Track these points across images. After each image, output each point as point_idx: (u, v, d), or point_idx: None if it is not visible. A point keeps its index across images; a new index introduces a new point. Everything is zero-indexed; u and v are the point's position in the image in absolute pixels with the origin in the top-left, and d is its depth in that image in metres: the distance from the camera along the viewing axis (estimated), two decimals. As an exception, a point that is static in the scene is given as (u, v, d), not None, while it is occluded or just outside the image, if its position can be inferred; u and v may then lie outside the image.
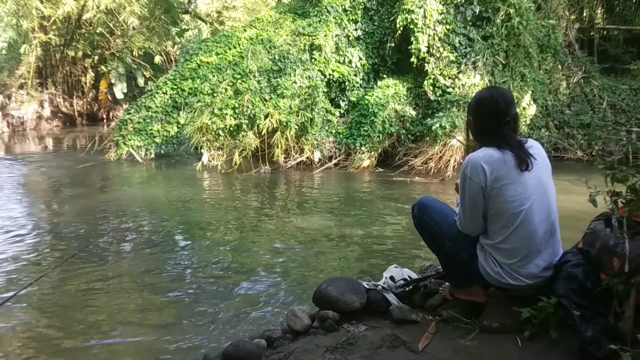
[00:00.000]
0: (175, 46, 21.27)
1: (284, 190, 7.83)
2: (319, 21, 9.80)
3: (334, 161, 9.16)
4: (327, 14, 9.80)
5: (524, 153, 2.10)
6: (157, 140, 9.65)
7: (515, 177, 2.08)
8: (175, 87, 9.66)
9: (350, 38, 9.88)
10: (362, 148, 8.93)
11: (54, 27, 15.76)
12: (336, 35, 9.75)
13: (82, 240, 4.95)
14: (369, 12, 9.95)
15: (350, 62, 9.78)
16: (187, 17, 21.19)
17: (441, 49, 8.94)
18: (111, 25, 16.23)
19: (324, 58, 9.59)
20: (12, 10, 14.21)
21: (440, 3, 9.01)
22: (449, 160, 8.42)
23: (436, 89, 8.98)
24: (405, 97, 9.25)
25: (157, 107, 9.63)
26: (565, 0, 11.48)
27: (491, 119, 2.13)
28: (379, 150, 9.19)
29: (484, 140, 2.18)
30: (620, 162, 2.08)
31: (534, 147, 2.18)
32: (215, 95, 9.31)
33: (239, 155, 8.80)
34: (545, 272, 2.15)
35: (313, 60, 9.58)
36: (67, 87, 17.33)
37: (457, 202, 2.34)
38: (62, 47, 16.57)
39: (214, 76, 9.57)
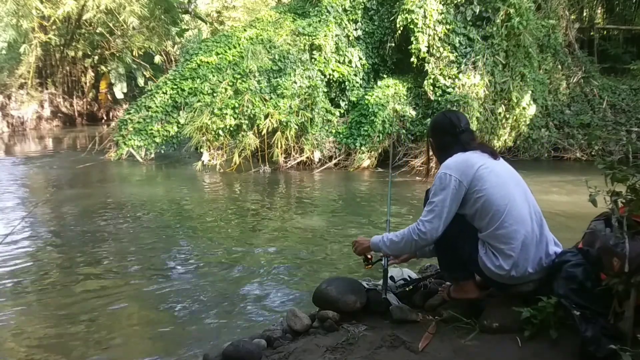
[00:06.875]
0: (175, 46, 21.27)
1: (283, 190, 7.83)
2: (319, 21, 9.80)
3: (334, 161, 9.16)
4: (327, 14, 9.80)
5: (487, 147, 2.36)
6: (157, 140, 9.64)
7: (492, 164, 2.25)
8: (175, 87, 9.66)
9: (350, 38, 9.88)
10: (362, 148, 8.93)
11: (54, 27, 15.76)
12: (336, 35, 9.75)
13: (79, 240, 4.96)
14: (369, 12, 9.95)
15: (350, 62, 9.78)
16: (187, 17, 21.20)
17: (441, 49, 8.95)
18: (111, 25, 16.23)
19: (324, 58, 9.59)
20: (12, 10, 14.20)
21: (440, 3, 9.01)
22: (449, 160, 8.40)
23: (436, 89, 8.98)
24: (405, 97, 9.25)
25: (157, 107, 9.62)
26: (565, 0, 11.47)
27: (448, 134, 2.39)
28: (379, 150, 9.18)
29: (446, 153, 2.36)
30: (620, 162, 2.07)
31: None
32: (215, 95, 9.31)
33: (239, 156, 8.80)
34: (544, 258, 2.17)
35: (313, 60, 9.58)
36: (67, 87, 17.34)
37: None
38: (62, 47, 16.58)
39: (214, 76, 9.56)
